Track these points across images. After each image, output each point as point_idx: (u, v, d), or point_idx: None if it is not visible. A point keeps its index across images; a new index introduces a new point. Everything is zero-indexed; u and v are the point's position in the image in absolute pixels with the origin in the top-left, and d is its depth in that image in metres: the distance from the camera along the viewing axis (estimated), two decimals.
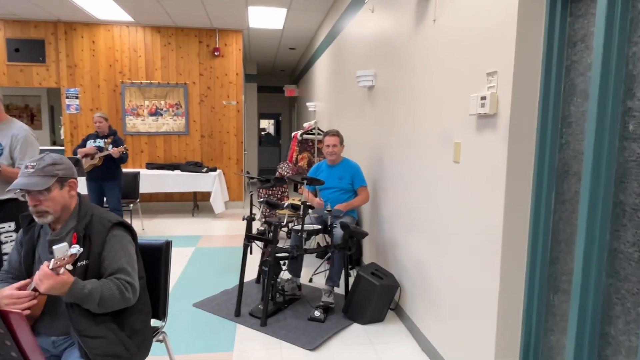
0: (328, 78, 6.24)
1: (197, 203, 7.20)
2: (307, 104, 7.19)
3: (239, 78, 7.16)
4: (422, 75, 2.66)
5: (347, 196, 3.50)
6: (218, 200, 6.49)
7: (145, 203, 7.14)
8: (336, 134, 3.50)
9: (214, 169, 6.81)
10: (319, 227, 3.19)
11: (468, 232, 2.10)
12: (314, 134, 5.49)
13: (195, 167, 6.64)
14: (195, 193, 7.17)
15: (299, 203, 3.02)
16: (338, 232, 3.18)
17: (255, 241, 3.07)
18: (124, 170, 6.27)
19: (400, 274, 3.08)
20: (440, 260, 2.42)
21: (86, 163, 4.73)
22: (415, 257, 2.79)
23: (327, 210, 3.05)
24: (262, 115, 13.65)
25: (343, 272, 3.30)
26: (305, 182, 3.06)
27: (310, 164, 5.52)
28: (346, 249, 3.12)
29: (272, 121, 15.75)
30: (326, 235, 3.47)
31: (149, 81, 6.91)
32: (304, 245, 3.08)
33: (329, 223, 3.16)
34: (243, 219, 3.13)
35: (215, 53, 7.00)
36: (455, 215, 2.23)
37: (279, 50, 8.86)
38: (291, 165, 5.47)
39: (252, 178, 3.28)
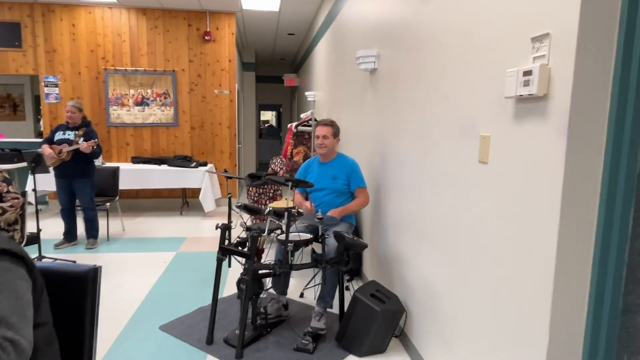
0: (327, 64, 5.66)
1: (186, 200, 6.69)
2: (306, 93, 6.62)
3: (232, 65, 6.60)
4: (434, 50, 2.10)
5: (342, 199, 2.96)
6: (208, 198, 5.97)
7: (132, 200, 6.65)
8: (329, 123, 2.95)
9: (204, 164, 6.28)
10: (309, 236, 2.66)
11: (498, 256, 1.55)
12: (310, 126, 4.93)
13: (183, 161, 6.12)
14: (184, 190, 6.66)
15: (284, 207, 2.48)
16: (331, 243, 2.65)
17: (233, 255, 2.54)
18: (108, 164, 5.79)
19: (405, 295, 2.54)
20: (456, 284, 1.88)
21: (53, 158, 4.21)
22: (425, 277, 2.25)
23: (318, 219, 2.50)
24: (263, 107, 13.10)
25: (337, 289, 2.77)
26: (289, 185, 2.51)
27: (306, 158, 4.98)
28: (341, 263, 2.58)
29: (274, 113, 15.19)
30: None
31: (134, 68, 6.37)
32: (290, 259, 2.54)
33: (320, 232, 2.62)
34: (217, 228, 2.60)
35: (206, 37, 6.44)
36: (480, 232, 1.68)
37: (277, 36, 8.28)
38: (285, 160, 4.93)
39: (230, 177, 2.75)
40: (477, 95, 1.71)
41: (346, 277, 3.45)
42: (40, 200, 5.94)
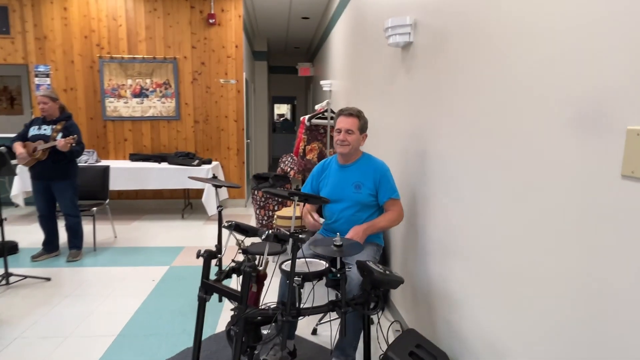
0: (345, 48, 4.93)
1: (189, 201, 6.07)
2: (322, 82, 5.91)
3: (239, 51, 5.93)
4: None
5: (366, 215, 2.25)
6: (212, 199, 5.34)
7: (131, 201, 6.07)
8: (355, 114, 2.24)
9: (208, 161, 5.65)
10: (323, 264, 1.96)
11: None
12: (325, 118, 4.23)
13: (185, 159, 5.50)
14: (187, 190, 6.04)
15: (287, 231, 1.79)
16: (354, 277, 1.95)
17: (220, 294, 1.87)
18: (104, 162, 5.13)
19: (458, 353, 1.83)
20: (548, 349, 1.16)
21: (26, 157, 3.62)
22: (490, 331, 1.54)
23: (336, 246, 1.80)
24: (276, 99, 12.43)
25: (362, 336, 2.07)
26: (296, 199, 1.81)
27: (322, 156, 4.28)
28: (366, 305, 1.88)
29: (288, 106, 14.52)
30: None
31: (131, 56, 5.76)
32: (298, 298, 1.86)
33: (338, 262, 1.92)
34: (198, 256, 1.92)
35: (210, 20, 5.78)
36: (621, 294, 0.96)
37: (290, 20, 7.57)
38: (297, 158, 4.24)
39: (219, 186, 2.08)
40: (615, 59, 0.98)
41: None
42: (29, 201, 5.41)
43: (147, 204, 6.12)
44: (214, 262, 1.95)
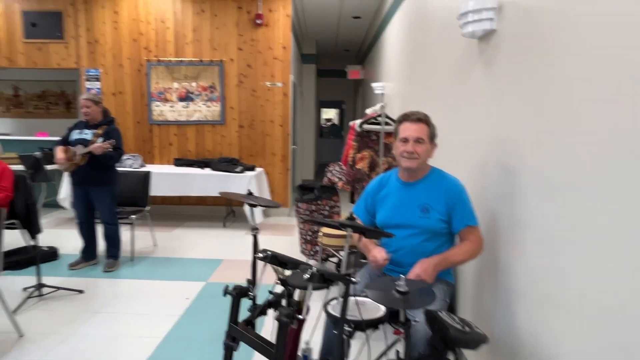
0: (402, 46, 4.49)
1: (232, 209, 5.85)
2: (373, 84, 5.49)
3: (287, 53, 5.64)
4: None
5: (435, 245, 1.80)
6: (255, 208, 5.06)
7: (174, 207, 5.94)
8: (423, 119, 1.80)
9: (252, 168, 5.39)
10: (380, 310, 1.55)
11: None
12: (379, 123, 3.80)
13: (228, 165, 5.27)
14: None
15: (335, 251, 1.38)
16: (420, 331, 1.52)
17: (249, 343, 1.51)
18: (149, 166, 4.97)
19: None
20: None
21: (65, 162, 3.50)
22: None
23: (400, 293, 1.37)
24: (324, 104, 12.13)
25: None
26: (349, 232, 1.40)
27: (373, 166, 3.86)
28: None
29: (335, 110, 14.19)
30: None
31: (178, 59, 5.64)
32: (347, 351, 1.45)
33: (401, 313, 1.49)
34: (225, 294, 1.56)
35: (258, 21, 5.54)
36: None
37: (340, 21, 7.22)
38: (346, 168, 3.85)
39: (254, 205, 1.73)
40: None
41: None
42: None
43: (190, 210, 5.96)
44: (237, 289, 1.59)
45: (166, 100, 5.73)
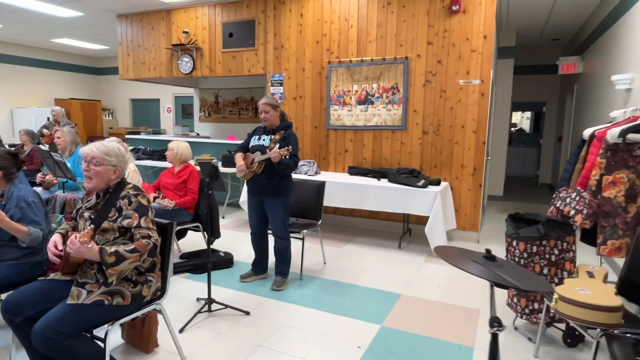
0: None
1: (409, 227, 5.10)
2: (614, 77, 4.00)
3: (488, 44, 4.60)
4: None
5: None
6: (438, 229, 4.23)
7: (346, 218, 5.53)
8: None
9: (437, 182, 4.54)
10: None
11: None
12: None
13: (409, 177, 4.54)
14: (407, 213, 5.08)
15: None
16: None
17: None
18: (323, 173, 4.59)
19: None
20: None
21: (243, 170, 3.30)
22: None
23: None
24: (517, 106, 10.34)
25: None
26: None
27: (632, 195, 2.58)
28: None
29: (525, 114, 12.08)
30: None
31: (359, 58, 5.19)
32: None
33: None
34: (492, 325, 0.78)
35: (453, 7, 4.66)
36: None
37: (556, 2, 5.72)
38: (586, 196, 2.66)
39: (504, 286, 0.94)
40: None
41: None
42: None
43: (362, 224, 5.46)
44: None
45: (344, 103, 5.35)
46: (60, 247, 1.96)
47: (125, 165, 2.08)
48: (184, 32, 6.35)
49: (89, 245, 1.72)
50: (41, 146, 6.24)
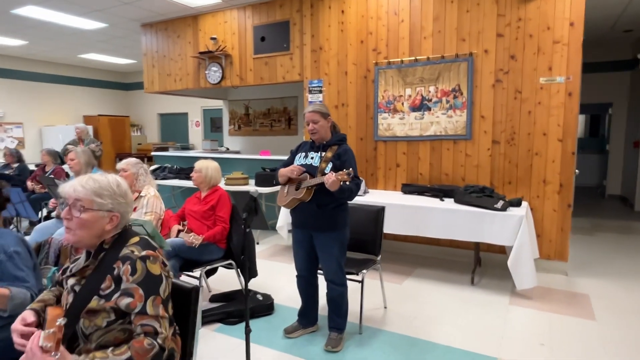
0: None
1: (479, 256, 4.25)
2: None
3: (576, 33, 3.77)
4: None
5: None
6: (525, 263, 3.39)
7: (398, 244, 4.74)
8: None
9: (517, 203, 3.71)
10: None
11: None
12: None
13: (481, 197, 3.73)
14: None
15: None
16: None
17: None
18: (371, 192, 3.79)
19: None
20: None
21: (286, 196, 2.60)
22: None
23: None
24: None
25: None
26: None
27: None
28: None
29: (582, 116, 10.95)
30: None
31: (412, 58, 4.44)
32: None
33: None
34: None
35: None
36: None
37: None
38: None
39: None
40: None
41: None
42: None
43: (422, 251, 4.65)
44: None
45: (395, 110, 4.60)
46: (28, 330, 1.30)
47: (128, 208, 1.41)
48: (212, 38, 5.80)
49: (57, 356, 1.04)
50: (65, 167, 5.78)
